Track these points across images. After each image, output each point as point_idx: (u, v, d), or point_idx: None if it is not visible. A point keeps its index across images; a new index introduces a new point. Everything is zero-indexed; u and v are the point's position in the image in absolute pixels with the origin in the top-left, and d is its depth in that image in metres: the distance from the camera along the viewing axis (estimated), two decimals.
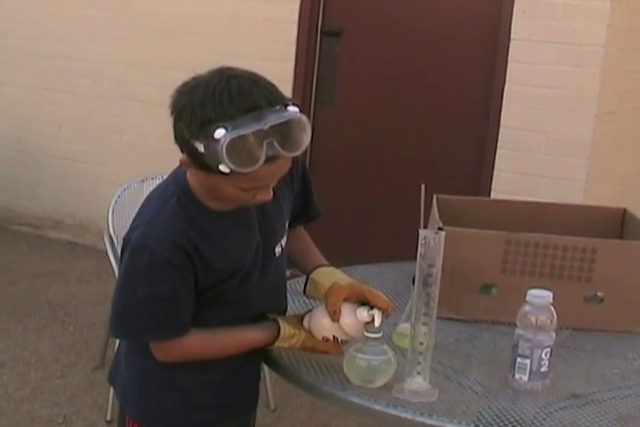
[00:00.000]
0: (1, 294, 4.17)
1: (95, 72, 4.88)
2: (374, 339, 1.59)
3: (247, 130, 1.38)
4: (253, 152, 1.40)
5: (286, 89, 4.11)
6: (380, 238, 4.26)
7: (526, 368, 1.63)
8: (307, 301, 1.91)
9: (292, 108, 1.44)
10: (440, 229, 1.88)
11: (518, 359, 1.64)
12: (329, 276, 1.72)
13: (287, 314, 1.78)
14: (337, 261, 1.82)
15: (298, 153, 1.46)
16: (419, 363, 1.59)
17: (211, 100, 1.40)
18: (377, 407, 1.55)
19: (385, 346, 1.61)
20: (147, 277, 1.53)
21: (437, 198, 2.21)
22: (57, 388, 3.24)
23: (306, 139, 1.45)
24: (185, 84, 1.46)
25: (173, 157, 1.55)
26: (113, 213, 2.75)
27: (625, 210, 2.29)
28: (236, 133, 1.38)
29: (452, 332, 1.92)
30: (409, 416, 1.52)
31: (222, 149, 1.37)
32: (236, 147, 1.38)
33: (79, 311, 4.00)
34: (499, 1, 3.81)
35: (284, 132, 1.42)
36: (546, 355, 1.63)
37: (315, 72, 4.32)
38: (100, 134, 4.95)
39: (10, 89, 5.22)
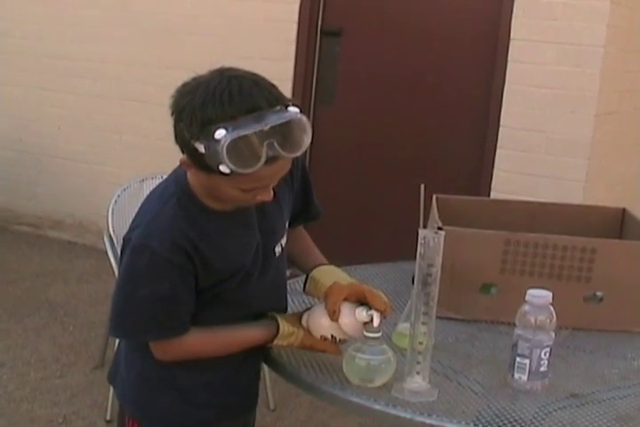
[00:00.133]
0: (1, 293, 4.17)
1: (95, 72, 4.88)
2: (374, 338, 1.59)
3: (248, 130, 1.38)
4: (254, 153, 1.40)
5: (286, 89, 4.11)
6: (380, 238, 4.26)
7: (525, 368, 1.63)
8: (306, 300, 1.92)
9: (293, 109, 1.44)
10: (440, 228, 1.88)
11: (517, 359, 1.64)
12: (329, 275, 1.73)
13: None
14: (337, 260, 1.83)
15: (298, 154, 1.46)
16: (418, 363, 1.59)
17: (211, 101, 1.40)
18: (376, 407, 1.55)
19: (384, 346, 1.61)
20: (147, 277, 1.53)
21: (437, 198, 2.21)
22: (57, 388, 3.24)
23: (306, 139, 1.46)
24: (185, 85, 1.46)
25: (173, 156, 1.55)
26: (113, 213, 2.75)
27: (624, 210, 2.29)
28: (236, 134, 1.38)
29: (451, 332, 1.92)
30: (408, 416, 1.52)
31: (223, 149, 1.37)
32: (236, 147, 1.38)
33: (79, 311, 4.00)
34: (499, 1, 3.81)
35: (285, 132, 1.42)
36: (545, 355, 1.63)
37: (314, 72, 4.32)
38: (100, 134, 4.95)
39: (10, 89, 5.22)
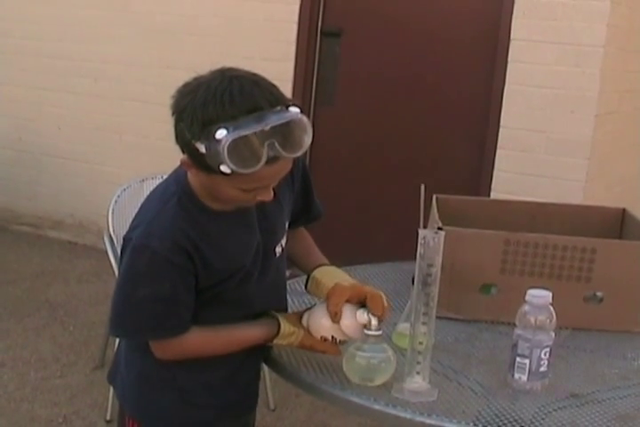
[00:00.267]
0: (1, 293, 4.17)
1: (95, 72, 4.88)
2: (374, 337, 1.59)
3: (248, 131, 1.39)
4: (254, 153, 1.40)
5: (286, 89, 4.11)
6: (380, 238, 4.26)
7: (525, 368, 1.63)
8: (306, 301, 1.92)
9: (294, 109, 1.44)
10: (439, 228, 1.88)
11: (517, 359, 1.64)
12: (331, 275, 1.73)
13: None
14: (337, 260, 1.83)
15: (299, 154, 1.46)
16: (418, 363, 1.59)
17: (212, 101, 1.41)
18: (376, 407, 1.55)
19: (384, 345, 1.61)
20: (147, 277, 1.54)
21: (437, 198, 2.21)
22: (57, 387, 3.24)
23: (307, 140, 1.46)
24: (186, 85, 1.47)
25: (173, 157, 1.55)
26: (113, 213, 2.75)
27: (624, 210, 2.29)
28: (237, 134, 1.38)
29: (451, 332, 1.93)
30: (408, 416, 1.52)
31: (223, 149, 1.37)
32: (237, 147, 1.38)
33: (79, 311, 4.00)
34: (499, 1, 3.81)
35: (285, 132, 1.42)
36: (545, 355, 1.63)
37: (314, 72, 4.32)
38: (100, 134, 4.95)
39: (10, 89, 5.22)
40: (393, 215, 4.19)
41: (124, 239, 1.58)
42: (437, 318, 1.61)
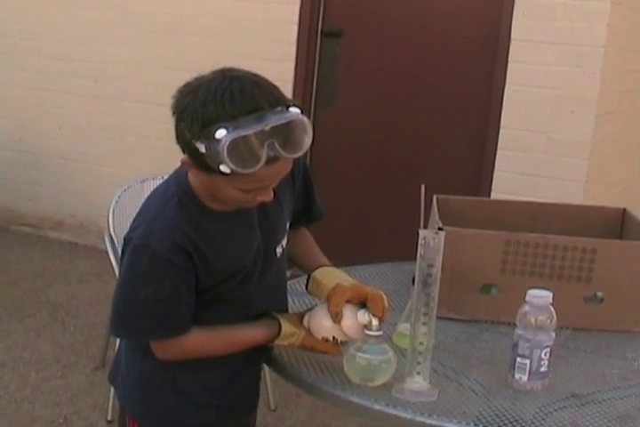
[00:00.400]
0: (1, 294, 4.17)
1: (95, 72, 4.88)
2: (375, 337, 1.59)
3: (248, 131, 1.39)
4: (254, 153, 1.40)
5: (286, 90, 4.09)
6: (380, 238, 4.26)
7: (526, 368, 1.63)
8: (307, 301, 1.92)
9: (294, 110, 1.44)
10: (440, 229, 1.88)
11: (518, 359, 1.64)
12: (331, 276, 1.73)
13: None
14: (337, 261, 1.83)
15: (299, 154, 1.46)
16: (418, 363, 1.59)
17: (212, 101, 1.41)
18: (377, 407, 1.55)
19: (385, 345, 1.61)
20: (147, 277, 1.54)
21: (437, 198, 2.21)
22: (57, 388, 3.24)
23: (307, 140, 1.46)
24: (187, 85, 1.47)
25: (174, 157, 1.55)
26: (113, 214, 2.75)
27: (625, 210, 2.29)
28: (236, 134, 1.38)
29: (451, 332, 1.93)
30: (409, 416, 1.52)
31: (223, 149, 1.38)
32: (236, 147, 1.38)
33: (80, 311, 4.00)
34: (499, 1, 3.81)
35: (286, 133, 1.42)
36: (545, 355, 1.63)
37: (315, 73, 4.33)
38: (101, 135, 4.95)
39: (10, 89, 5.22)
40: (393, 215, 4.20)
41: (124, 240, 1.58)
42: (438, 318, 1.61)
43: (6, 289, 4.24)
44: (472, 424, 1.50)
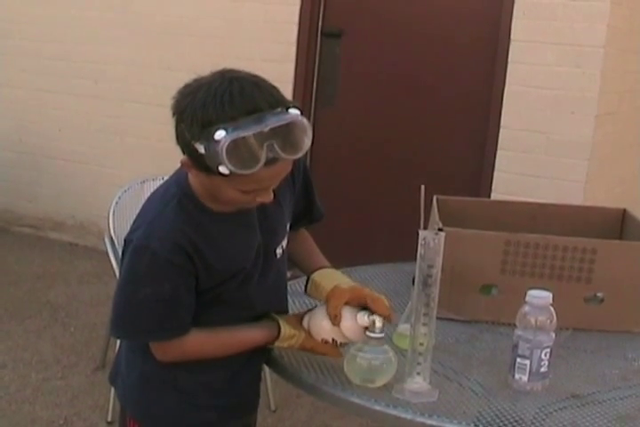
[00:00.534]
0: (2, 295, 4.17)
1: (95, 73, 4.88)
2: (376, 339, 1.59)
3: (247, 132, 1.39)
4: (253, 154, 1.40)
5: (286, 90, 4.11)
6: (380, 239, 4.26)
7: (526, 369, 1.63)
8: (307, 302, 1.92)
9: (294, 111, 1.44)
10: (440, 229, 1.88)
11: (518, 360, 1.64)
12: (330, 278, 1.73)
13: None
14: (337, 261, 1.83)
15: (298, 156, 1.46)
16: (419, 363, 1.59)
17: (212, 102, 1.41)
18: (377, 408, 1.55)
19: (386, 346, 1.61)
20: (148, 278, 1.54)
21: (437, 199, 2.21)
22: (58, 389, 3.24)
23: (307, 141, 1.46)
24: (187, 86, 1.47)
25: (174, 158, 1.55)
26: (114, 215, 2.75)
27: (625, 211, 2.30)
28: (236, 135, 1.38)
29: (451, 332, 1.93)
30: (409, 417, 1.52)
31: (222, 150, 1.38)
32: (236, 148, 1.38)
33: (80, 312, 4.00)
34: (499, 2, 3.82)
35: (285, 134, 1.42)
36: (545, 355, 1.63)
37: (315, 73, 4.33)
38: (101, 136, 4.95)
39: (10, 90, 5.23)
40: (393, 216, 4.20)
41: (124, 241, 1.58)
42: (438, 318, 1.61)
43: (6, 290, 4.24)
44: (472, 425, 1.50)
